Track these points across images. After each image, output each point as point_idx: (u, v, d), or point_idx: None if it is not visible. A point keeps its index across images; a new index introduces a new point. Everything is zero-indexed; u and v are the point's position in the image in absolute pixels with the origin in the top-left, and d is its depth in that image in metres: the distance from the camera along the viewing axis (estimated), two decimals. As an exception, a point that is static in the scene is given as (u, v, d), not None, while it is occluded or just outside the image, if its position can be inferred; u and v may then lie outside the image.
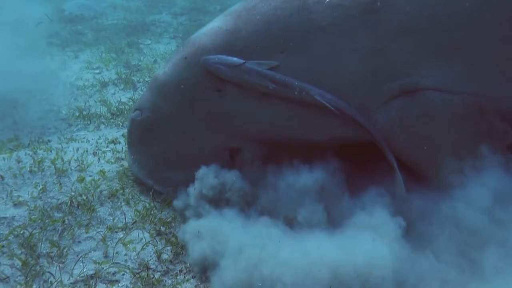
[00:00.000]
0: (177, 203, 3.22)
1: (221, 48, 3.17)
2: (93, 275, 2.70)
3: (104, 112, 5.27)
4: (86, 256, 2.86)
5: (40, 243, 2.93)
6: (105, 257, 2.87)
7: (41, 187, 3.53)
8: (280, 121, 3.15)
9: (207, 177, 3.13)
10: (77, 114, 5.23)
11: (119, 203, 3.40)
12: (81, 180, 3.64)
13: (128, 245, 2.96)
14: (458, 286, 2.41)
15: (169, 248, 2.94)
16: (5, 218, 3.17)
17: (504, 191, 2.74)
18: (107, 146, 4.29)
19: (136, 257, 2.88)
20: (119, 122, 4.97)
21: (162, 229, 3.12)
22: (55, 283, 2.63)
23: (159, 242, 2.99)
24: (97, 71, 6.94)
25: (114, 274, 2.73)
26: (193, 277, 2.73)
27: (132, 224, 3.18)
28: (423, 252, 2.58)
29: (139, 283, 2.65)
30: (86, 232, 3.08)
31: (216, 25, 3.31)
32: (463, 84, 2.93)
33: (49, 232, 3.06)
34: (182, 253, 2.89)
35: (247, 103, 3.15)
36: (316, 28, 3.03)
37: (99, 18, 10.75)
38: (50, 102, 5.65)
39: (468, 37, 2.91)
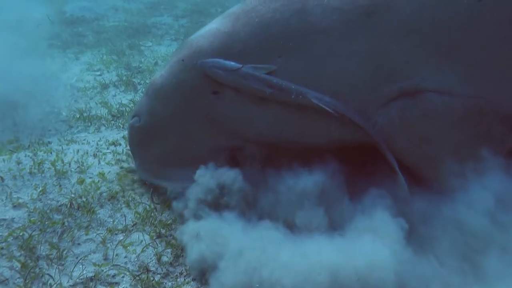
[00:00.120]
0: (177, 205, 3.20)
1: (219, 51, 3.16)
2: (93, 278, 2.68)
3: (105, 114, 5.26)
4: (85, 258, 2.85)
5: (40, 245, 2.92)
6: (105, 259, 2.86)
7: (41, 188, 3.52)
8: (278, 124, 3.14)
9: (205, 180, 3.11)
10: (78, 116, 5.21)
11: (119, 205, 3.39)
12: (81, 182, 3.63)
13: (128, 247, 2.95)
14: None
15: (169, 250, 2.92)
16: (4, 220, 3.16)
17: (505, 193, 2.72)
18: (107, 148, 4.28)
19: (136, 259, 2.86)
20: (119, 124, 4.96)
21: (163, 231, 3.11)
22: (55, 285, 2.62)
23: (159, 245, 2.98)
24: (98, 73, 6.93)
25: (114, 276, 2.72)
26: (193, 279, 2.71)
27: (132, 226, 3.17)
28: (424, 255, 2.56)
29: (139, 286, 2.64)
30: (86, 234, 3.07)
31: (214, 27, 3.30)
32: (463, 86, 2.92)
33: (48, 234, 3.05)
34: (182, 255, 2.88)
35: (245, 106, 3.14)
36: (315, 31, 3.02)
37: (100, 20, 10.75)
38: (50, 103, 5.63)
39: (468, 39, 2.90)
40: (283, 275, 2.41)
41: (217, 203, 3.06)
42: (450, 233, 2.65)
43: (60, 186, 3.59)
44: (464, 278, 2.46)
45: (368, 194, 2.95)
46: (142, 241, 3.01)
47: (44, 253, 2.86)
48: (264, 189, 3.11)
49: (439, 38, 2.91)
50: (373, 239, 2.58)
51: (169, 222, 3.19)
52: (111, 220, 3.24)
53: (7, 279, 2.65)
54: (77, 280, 2.67)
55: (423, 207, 2.84)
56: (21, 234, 3.01)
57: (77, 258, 2.84)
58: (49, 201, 3.39)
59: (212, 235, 2.78)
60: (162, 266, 2.81)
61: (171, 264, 2.83)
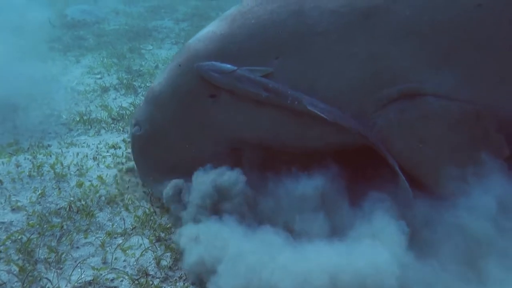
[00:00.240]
0: (176, 208, 3.18)
1: (215, 54, 3.14)
2: (91, 281, 2.66)
3: (105, 117, 5.25)
4: (84, 262, 2.83)
5: (38, 249, 2.90)
6: (104, 263, 2.84)
7: (40, 192, 3.50)
8: (275, 127, 3.12)
9: (204, 182, 3.07)
10: (78, 119, 5.21)
11: (118, 209, 3.37)
12: (80, 185, 3.61)
13: (127, 251, 2.93)
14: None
15: (168, 254, 2.90)
16: (2, 223, 3.14)
17: (504, 198, 2.71)
18: (107, 151, 4.27)
19: (135, 263, 2.84)
20: (119, 127, 4.95)
21: (162, 235, 3.09)
22: (53, 289, 2.60)
23: (158, 248, 2.96)
24: (99, 76, 6.93)
25: (112, 280, 2.69)
26: (192, 283, 2.69)
27: (132, 229, 3.15)
28: (427, 259, 2.54)
29: (137, 290, 2.62)
30: (85, 238, 3.05)
31: (210, 30, 3.29)
32: (462, 90, 2.92)
33: (47, 237, 3.03)
34: (182, 259, 2.85)
35: (241, 109, 3.12)
36: (313, 33, 3.01)
37: (101, 23, 10.77)
38: (51, 106, 5.63)
39: (468, 42, 2.90)
40: (282, 278, 2.39)
41: (216, 206, 3.03)
42: (453, 238, 2.62)
43: (59, 189, 3.57)
44: (468, 284, 2.44)
45: (368, 198, 2.93)
46: (141, 244, 2.99)
47: (42, 257, 2.85)
48: (264, 193, 3.09)
49: (438, 41, 2.91)
50: (374, 243, 2.55)
51: (168, 225, 3.17)
52: (110, 223, 3.22)
53: (4, 283, 2.63)
54: (76, 284, 2.64)
55: (425, 211, 2.82)
56: (19, 237, 2.99)
57: (75, 261, 2.82)
58: (48, 204, 3.37)
59: (211, 238, 2.75)
60: (161, 270, 2.79)
61: (170, 268, 2.81)
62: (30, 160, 3.96)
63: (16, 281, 2.64)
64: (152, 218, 3.25)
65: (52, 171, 3.77)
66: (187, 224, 2.97)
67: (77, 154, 4.16)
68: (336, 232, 2.82)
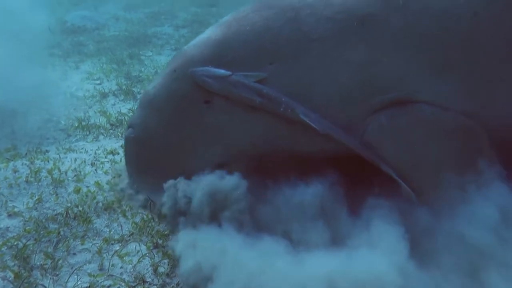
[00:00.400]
0: (171, 214, 3.14)
1: (210, 59, 3.15)
2: (88, 288, 2.64)
3: (104, 123, 5.23)
4: (81, 268, 2.80)
5: (34, 255, 2.87)
6: (100, 269, 2.81)
7: (37, 197, 3.48)
8: (269, 133, 3.10)
9: (202, 189, 3.04)
10: (76, 125, 5.18)
11: (115, 215, 3.35)
12: (78, 191, 3.59)
13: (124, 258, 2.90)
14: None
15: (166, 261, 2.87)
16: (-1, 228, 3.12)
17: (502, 209, 2.69)
18: (105, 157, 4.25)
19: (132, 270, 2.81)
20: (118, 133, 4.93)
21: (160, 241, 3.06)
22: (48, 296, 2.57)
23: (156, 255, 2.93)
24: (98, 81, 6.92)
25: (109, 287, 2.67)
26: (189, 291, 2.66)
27: (129, 236, 3.13)
28: (428, 268, 2.51)
29: (134, 297, 2.59)
30: (82, 244, 3.03)
31: (206, 36, 3.30)
32: (455, 101, 2.92)
33: (43, 243, 3.00)
34: (179, 266, 2.82)
35: (236, 114, 3.11)
36: (308, 39, 3.02)
37: (101, 29, 10.78)
38: (49, 112, 5.60)
39: (463, 53, 2.90)
40: (280, 286, 2.36)
41: (214, 212, 3.00)
42: (454, 247, 2.60)
43: (57, 195, 3.55)
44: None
45: (368, 205, 2.91)
46: (138, 251, 2.97)
47: (38, 263, 2.82)
48: (262, 200, 3.06)
49: (434, 50, 2.92)
50: (373, 251, 2.53)
51: (166, 232, 3.15)
52: (108, 230, 3.19)
53: (0, 289, 2.60)
54: (72, 291, 2.62)
55: (426, 219, 2.80)
56: (15, 243, 2.97)
57: (72, 268, 2.80)
58: (45, 210, 3.35)
59: (208, 245, 2.73)
60: (158, 277, 2.76)
61: (167, 275, 2.78)
62: (28, 166, 3.94)
63: (12, 288, 2.62)
64: (149, 224, 3.22)
65: (50, 177, 3.75)
66: (185, 231, 2.94)
67: (75, 159, 4.14)
68: (335, 240, 2.80)
